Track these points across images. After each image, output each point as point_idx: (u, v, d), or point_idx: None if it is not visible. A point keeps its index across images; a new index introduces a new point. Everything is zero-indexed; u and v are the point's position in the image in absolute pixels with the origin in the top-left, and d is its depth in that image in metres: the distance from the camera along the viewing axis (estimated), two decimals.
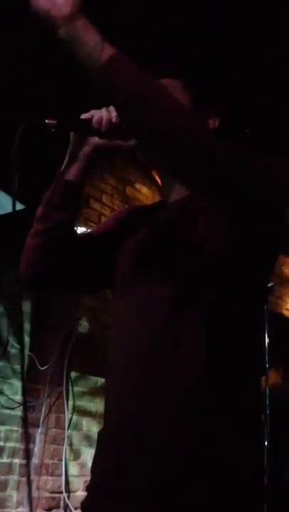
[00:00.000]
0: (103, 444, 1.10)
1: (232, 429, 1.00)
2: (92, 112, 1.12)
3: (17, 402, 3.04)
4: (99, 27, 0.99)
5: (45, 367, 3.20)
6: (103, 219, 3.76)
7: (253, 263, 1.09)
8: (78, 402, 3.37)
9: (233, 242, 1.06)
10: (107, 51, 0.96)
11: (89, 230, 1.36)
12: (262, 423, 0.94)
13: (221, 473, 0.96)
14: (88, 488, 1.10)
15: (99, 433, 1.14)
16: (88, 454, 3.31)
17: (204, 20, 2.98)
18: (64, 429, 3.26)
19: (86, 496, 1.10)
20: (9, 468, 2.98)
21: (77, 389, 3.36)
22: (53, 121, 1.07)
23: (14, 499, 2.97)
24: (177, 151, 0.96)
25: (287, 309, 6.59)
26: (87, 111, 1.14)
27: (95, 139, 1.17)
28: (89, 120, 1.11)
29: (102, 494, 1.04)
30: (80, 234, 1.31)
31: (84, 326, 3.43)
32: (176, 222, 1.15)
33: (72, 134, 1.17)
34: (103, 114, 1.10)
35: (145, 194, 4.42)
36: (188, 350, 1.02)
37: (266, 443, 2.77)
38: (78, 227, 3.24)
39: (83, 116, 1.12)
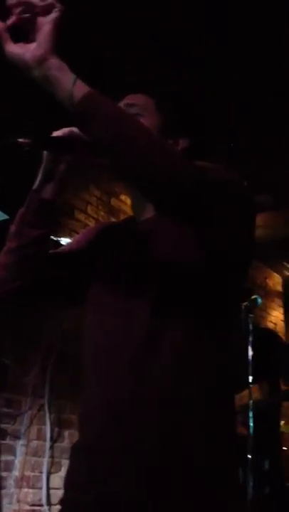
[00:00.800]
0: (77, 457, 1.10)
1: (209, 441, 1.02)
2: (64, 129, 1.13)
3: None
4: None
5: (28, 378, 3.17)
6: None
7: (225, 274, 1.12)
8: (60, 415, 3.34)
9: (204, 255, 1.09)
10: (81, 90, 0.98)
11: (61, 248, 1.36)
12: (235, 435, 0.96)
13: (193, 483, 0.98)
14: (61, 502, 1.10)
15: (73, 446, 1.14)
16: None
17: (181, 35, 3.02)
18: (45, 441, 3.23)
19: (59, 510, 1.10)
20: None
21: (59, 401, 3.33)
22: (26, 140, 1.07)
23: None
24: (146, 176, 1.01)
25: (271, 322, 6.62)
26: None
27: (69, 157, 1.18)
28: (62, 138, 1.11)
29: (76, 507, 1.04)
30: (53, 251, 1.30)
31: (67, 336, 3.41)
32: (149, 238, 1.18)
33: (44, 152, 1.17)
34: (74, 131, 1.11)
35: (130, 205, 4.43)
36: (164, 362, 1.03)
37: (249, 456, 2.77)
38: (63, 238, 3.23)
39: (55, 133, 1.13)
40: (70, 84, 0.98)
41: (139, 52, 3.13)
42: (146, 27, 3.02)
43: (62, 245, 1.40)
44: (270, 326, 6.49)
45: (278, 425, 3.45)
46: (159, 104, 1.25)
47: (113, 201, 4.31)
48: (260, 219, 5.52)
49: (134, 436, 1.00)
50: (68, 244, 1.37)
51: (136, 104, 1.23)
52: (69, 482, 1.10)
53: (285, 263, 6.75)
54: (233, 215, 1.07)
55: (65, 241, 3.13)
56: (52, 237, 1.25)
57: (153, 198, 1.06)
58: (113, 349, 1.09)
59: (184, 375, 1.03)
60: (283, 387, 3.26)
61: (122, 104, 1.23)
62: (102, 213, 4.08)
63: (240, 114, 3.69)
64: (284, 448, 4.51)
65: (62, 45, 1.01)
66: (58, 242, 2.91)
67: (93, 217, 3.99)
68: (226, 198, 1.07)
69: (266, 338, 3.38)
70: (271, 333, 3.65)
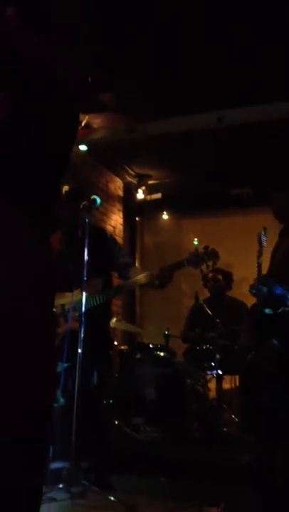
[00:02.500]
0: None
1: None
2: None
3: None
4: None
5: None
6: None
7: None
8: None
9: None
10: None
11: None
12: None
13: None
14: None
15: None
16: None
17: None
18: None
19: None
20: None
21: None
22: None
23: None
24: None
25: (110, 225, 6.74)
26: None
27: None
28: None
29: None
30: None
31: None
32: None
33: None
34: None
35: None
36: None
37: (80, 350, 2.87)
38: None
39: None
40: None
41: None
42: None
43: None
44: (110, 229, 6.61)
45: (109, 320, 3.59)
46: None
47: None
48: (102, 120, 5.46)
49: None
50: None
51: None
52: None
53: (126, 167, 6.81)
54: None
55: None
56: None
57: None
58: None
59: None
60: (116, 283, 3.35)
61: None
62: None
63: None
64: (115, 343, 4.77)
65: None
66: None
67: None
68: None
69: (100, 236, 3.41)
70: (105, 232, 3.70)
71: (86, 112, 5.08)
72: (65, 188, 3.29)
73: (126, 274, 3.25)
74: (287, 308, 2.82)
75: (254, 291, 2.98)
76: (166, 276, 3.10)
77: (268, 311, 2.94)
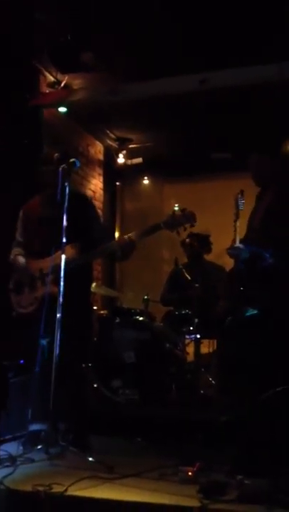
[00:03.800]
0: None
1: None
2: None
3: None
4: None
5: None
6: None
7: None
8: None
9: None
10: None
11: None
12: None
13: None
14: None
15: None
16: None
17: None
18: None
19: None
20: None
21: None
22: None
23: None
24: None
25: (90, 189, 6.67)
26: None
27: None
28: None
29: None
30: None
31: None
32: None
33: None
34: None
35: None
36: None
37: (58, 315, 2.87)
38: None
39: None
40: None
41: None
42: None
43: None
44: (90, 193, 6.55)
45: (89, 285, 3.58)
46: None
47: None
48: (82, 81, 5.34)
49: None
50: None
51: None
52: None
53: (107, 131, 6.70)
54: None
55: None
56: None
57: None
58: None
59: None
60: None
61: None
62: None
63: None
64: (94, 307, 4.79)
65: None
66: None
67: None
68: None
69: (81, 202, 3.37)
70: (86, 198, 3.65)
71: (66, 71, 4.95)
72: (56, 155, 3.23)
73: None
74: (264, 264, 2.85)
75: (231, 251, 2.99)
76: (127, 247, 3.10)
77: (242, 266, 2.98)
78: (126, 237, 3.12)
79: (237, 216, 3.12)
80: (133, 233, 3.12)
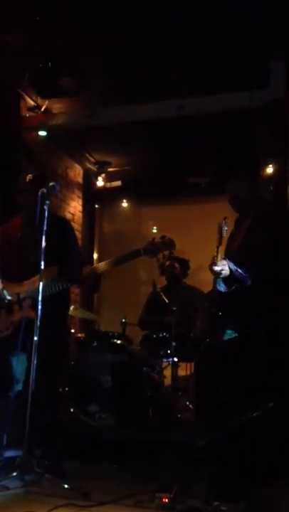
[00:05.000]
0: None
1: None
2: None
3: None
4: None
5: None
6: None
7: None
8: None
9: None
10: None
11: None
12: None
13: None
14: None
15: None
16: None
17: None
18: None
19: None
20: None
21: None
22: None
23: None
24: None
25: (69, 212, 6.69)
26: None
27: None
28: None
29: None
30: None
31: None
32: None
33: None
34: None
35: None
36: None
37: (35, 338, 2.85)
38: None
39: None
40: None
41: None
42: None
43: None
44: (69, 216, 6.56)
45: (67, 309, 3.57)
46: None
47: None
48: (62, 105, 5.39)
49: None
50: None
51: None
52: None
53: (86, 154, 6.75)
54: None
55: None
56: None
57: None
58: None
59: None
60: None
61: None
62: None
63: None
64: (72, 330, 4.77)
65: None
66: None
67: None
68: None
69: (59, 224, 3.38)
70: (66, 222, 3.67)
71: (46, 96, 5.00)
72: (29, 176, 3.25)
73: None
74: (242, 285, 2.86)
75: (215, 267, 2.93)
76: (89, 281, 3.15)
77: (222, 287, 2.97)
78: (89, 268, 3.14)
79: (220, 242, 3.13)
80: (108, 260, 3.14)
